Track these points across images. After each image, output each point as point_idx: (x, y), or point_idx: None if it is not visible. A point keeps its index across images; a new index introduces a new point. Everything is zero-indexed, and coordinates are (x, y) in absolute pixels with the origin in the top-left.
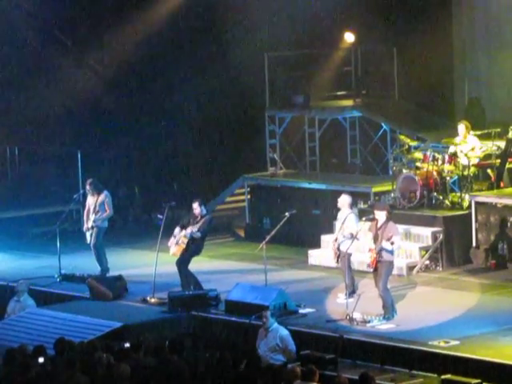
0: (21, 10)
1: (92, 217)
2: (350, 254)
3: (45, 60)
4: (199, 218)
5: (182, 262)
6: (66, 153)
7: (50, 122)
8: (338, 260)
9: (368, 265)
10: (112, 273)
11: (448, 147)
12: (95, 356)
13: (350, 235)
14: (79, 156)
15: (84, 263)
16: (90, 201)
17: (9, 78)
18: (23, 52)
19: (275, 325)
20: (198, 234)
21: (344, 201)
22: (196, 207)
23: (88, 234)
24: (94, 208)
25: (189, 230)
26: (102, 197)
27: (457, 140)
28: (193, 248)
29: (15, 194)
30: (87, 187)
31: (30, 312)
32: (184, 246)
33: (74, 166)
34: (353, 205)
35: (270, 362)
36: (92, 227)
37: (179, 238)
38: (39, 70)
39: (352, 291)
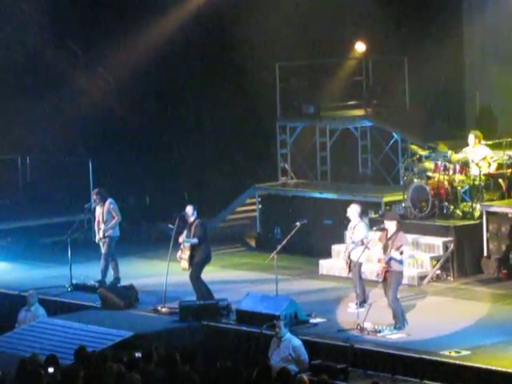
0: (32, 20)
1: (102, 227)
2: (360, 264)
3: (56, 69)
4: (191, 222)
5: (193, 274)
6: (78, 162)
7: (61, 132)
8: (349, 270)
9: (377, 275)
10: (123, 282)
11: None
12: (106, 366)
13: (361, 242)
14: (90, 165)
15: (95, 273)
16: (98, 211)
17: (20, 87)
18: (34, 61)
19: (288, 334)
20: (195, 241)
21: (353, 210)
22: (189, 209)
23: (101, 244)
24: (103, 218)
25: (181, 239)
26: (106, 205)
27: (467, 150)
28: (198, 256)
29: (26, 204)
30: (94, 197)
31: (41, 321)
32: (187, 255)
33: (86, 176)
34: (362, 214)
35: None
36: (104, 237)
37: (182, 249)
38: (50, 80)
39: (363, 301)
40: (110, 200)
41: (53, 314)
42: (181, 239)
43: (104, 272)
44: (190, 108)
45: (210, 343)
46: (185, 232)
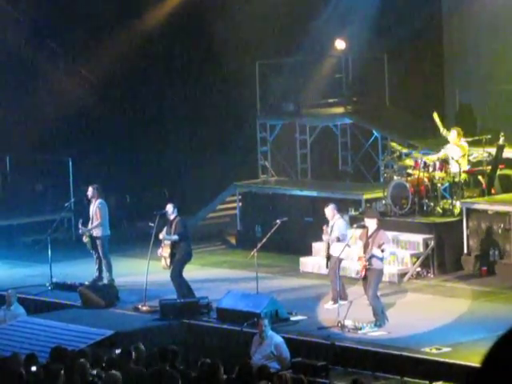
0: (11, 17)
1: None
2: (341, 260)
3: (36, 68)
4: (171, 220)
5: (173, 272)
6: (57, 161)
7: (40, 131)
8: (327, 265)
9: (357, 272)
10: (104, 281)
11: (436, 152)
12: (86, 364)
13: (336, 239)
14: (70, 164)
15: (75, 271)
16: (91, 208)
17: (0, 86)
18: (14, 60)
19: (270, 332)
20: (176, 237)
21: (330, 212)
22: (169, 208)
23: (88, 244)
24: (92, 216)
25: (161, 235)
26: (96, 205)
27: (447, 146)
28: (178, 254)
29: (6, 203)
30: (89, 192)
31: (21, 321)
32: (168, 253)
33: (65, 175)
34: (340, 211)
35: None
36: (90, 236)
37: (163, 247)
38: (30, 78)
39: (342, 298)
40: (99, 201)
41: (33, 312)
42: (161, 236)
43: (109, 271)
44: (170, 107)
45: (191, 341)
46: (165, 229)
